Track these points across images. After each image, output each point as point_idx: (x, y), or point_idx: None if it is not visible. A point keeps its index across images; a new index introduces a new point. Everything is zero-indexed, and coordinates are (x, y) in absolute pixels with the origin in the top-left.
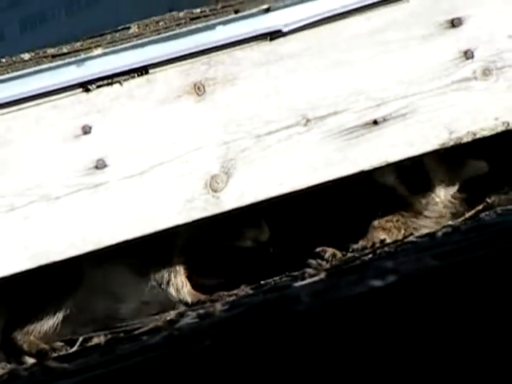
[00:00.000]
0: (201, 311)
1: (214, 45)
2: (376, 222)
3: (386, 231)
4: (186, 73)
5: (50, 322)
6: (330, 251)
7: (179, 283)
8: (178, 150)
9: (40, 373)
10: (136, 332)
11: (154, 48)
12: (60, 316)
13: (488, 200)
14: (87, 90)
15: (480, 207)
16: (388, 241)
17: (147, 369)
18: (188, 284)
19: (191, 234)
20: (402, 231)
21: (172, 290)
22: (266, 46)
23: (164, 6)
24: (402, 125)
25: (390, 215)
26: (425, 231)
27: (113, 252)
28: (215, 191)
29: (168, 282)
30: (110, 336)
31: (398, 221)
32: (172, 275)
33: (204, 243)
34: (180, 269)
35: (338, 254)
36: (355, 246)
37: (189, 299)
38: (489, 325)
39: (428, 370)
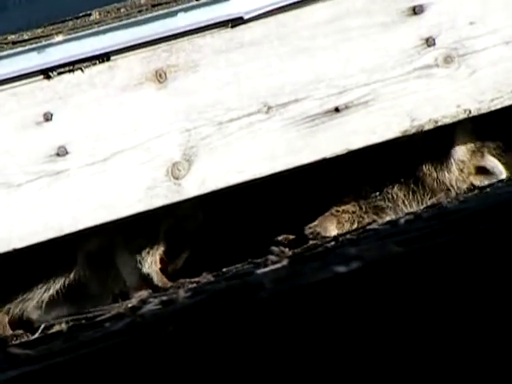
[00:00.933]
0: (164, 298)
1: (176, 32)
2: (334, 210)
3: (338, 224)
4: (147, 60)
5: (33, 303)
6: (291, 239)
7: (153, 260)
8: (139, 138)
9: (3, 359)
10: (98, 319)
11: (115, 35)
12: (46, 299)
13: None
14: (48, 77)
15: None
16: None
17: (110, 355)
18: (159, 265)
19: (174, 222)
20: (355, 225)
21: (147, 262)
22: (227, 33)
23: None
24: (364, 112)
25: (351, 204)
26: None
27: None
28: (177, 178)
29: (148, 252)
30: (71, 323)
31: (354, 212)
32: (154, 249)
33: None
34: (160, 247)
35: (300, 242)
36: (306, 231)
37: (155, 278)
38: (451, 310)
39: (391, 355)
